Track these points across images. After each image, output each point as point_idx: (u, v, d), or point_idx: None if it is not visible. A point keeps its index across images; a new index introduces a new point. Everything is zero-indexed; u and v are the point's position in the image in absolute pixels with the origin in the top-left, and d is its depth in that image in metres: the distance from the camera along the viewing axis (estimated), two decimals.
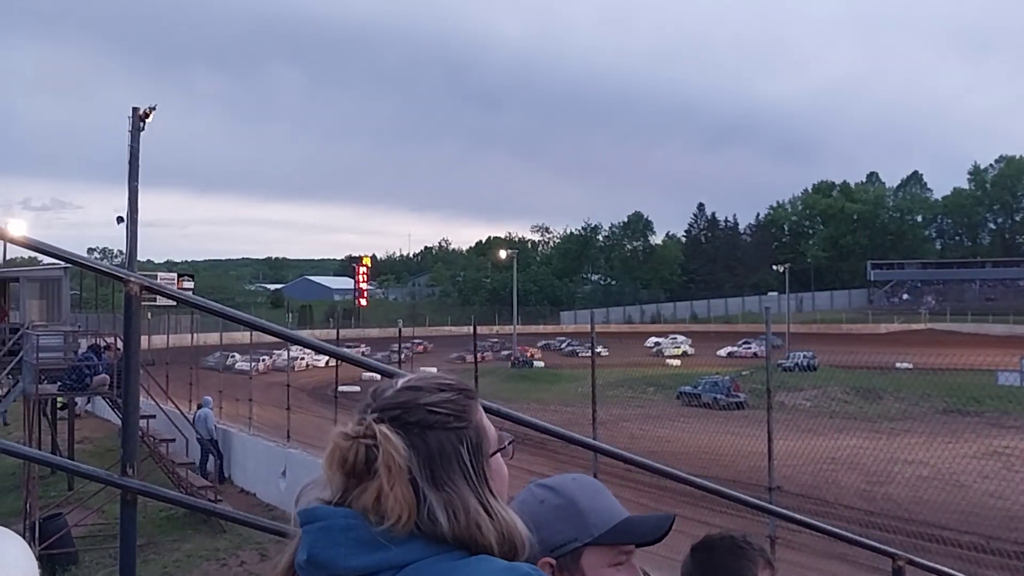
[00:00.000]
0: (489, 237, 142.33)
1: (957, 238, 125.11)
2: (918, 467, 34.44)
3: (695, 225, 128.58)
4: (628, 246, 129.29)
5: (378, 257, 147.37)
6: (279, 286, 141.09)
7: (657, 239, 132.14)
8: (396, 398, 1.41)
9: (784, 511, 3.99)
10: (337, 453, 1.36)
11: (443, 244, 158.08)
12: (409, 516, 1.31)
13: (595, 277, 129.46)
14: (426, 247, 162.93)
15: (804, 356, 66.76)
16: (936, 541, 20.11)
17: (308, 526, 1.34)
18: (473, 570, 1.29)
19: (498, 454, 1.43)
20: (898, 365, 68.53)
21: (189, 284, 42.57)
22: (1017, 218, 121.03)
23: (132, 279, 2.61)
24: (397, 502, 1.31)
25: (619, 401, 48.66)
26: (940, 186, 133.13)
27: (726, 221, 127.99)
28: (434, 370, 1.48)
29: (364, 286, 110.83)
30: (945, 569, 3.63)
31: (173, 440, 23.51)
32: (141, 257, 31.15)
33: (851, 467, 34.44)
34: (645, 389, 58.41)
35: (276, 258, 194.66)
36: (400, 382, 1.44)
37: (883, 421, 46.36)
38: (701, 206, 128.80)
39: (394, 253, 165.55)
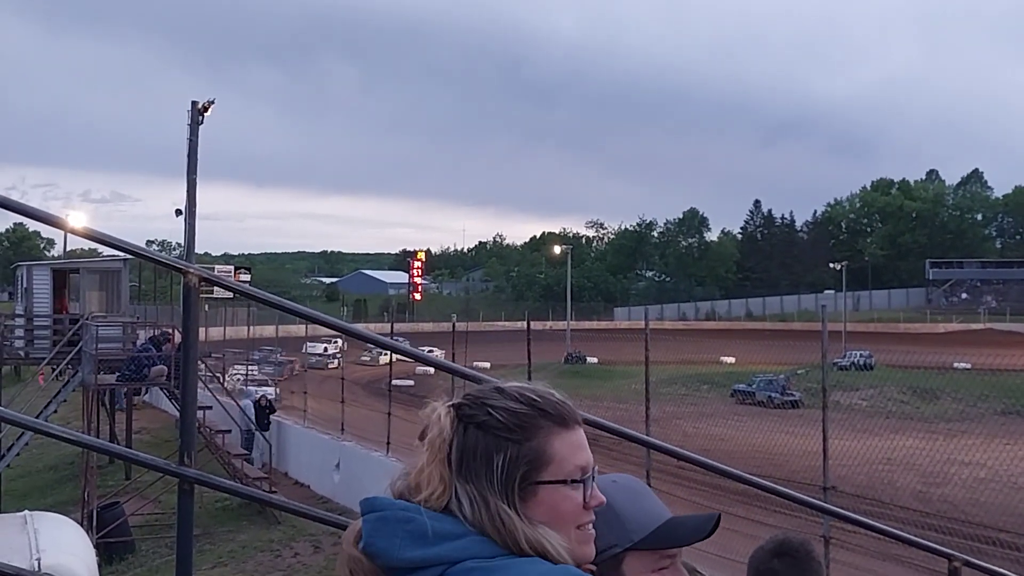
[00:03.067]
0: (543, 232, 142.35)
1: (1018, 237, 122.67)
2: (975, 468, 33.87)
3: (751, 222, 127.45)
4: (683, 243, 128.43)
5: (432, 252, 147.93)
6: (334, 280, 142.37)
7: (712, 236, 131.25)
8: (475, 392, 1.47)
9: (839, 510, 3.94)
10: (421, 424, 1.46)
11: (497, 239, 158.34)
12: (439, 495, 1.38)
13: (649, 274, 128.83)
14: (480, 242, 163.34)
15: (860, 355, 65.83)
16: (993, 543, 19.74)
17: (367, 515, 1.38)
18: (522, 569, 1.31)
19: (566, 488, 1.42)
20: (956, 365, 67.41)
21: (246, 277, 43.11)
22: None
23: (191, 270, 2.64)
24: (430, 479, 1.38)
25: (672, 398, 48.35)
26: (1001, 184, 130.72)
27: (782, 218, 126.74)
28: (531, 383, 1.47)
29: (418, 280, 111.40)
30: (1003, 571, 3.56)
31: (229, 431, 23.81)
32: (199, 250, 31.60)
33: (907, 468, 33.95)
34: (699, 387, 58.06)
35: (331, 252, 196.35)
36: (504, 382, 1.49)
37: (940, 422, 45.60)
38: (757, 203, 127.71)
39: (448, 248, 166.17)
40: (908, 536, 3.64)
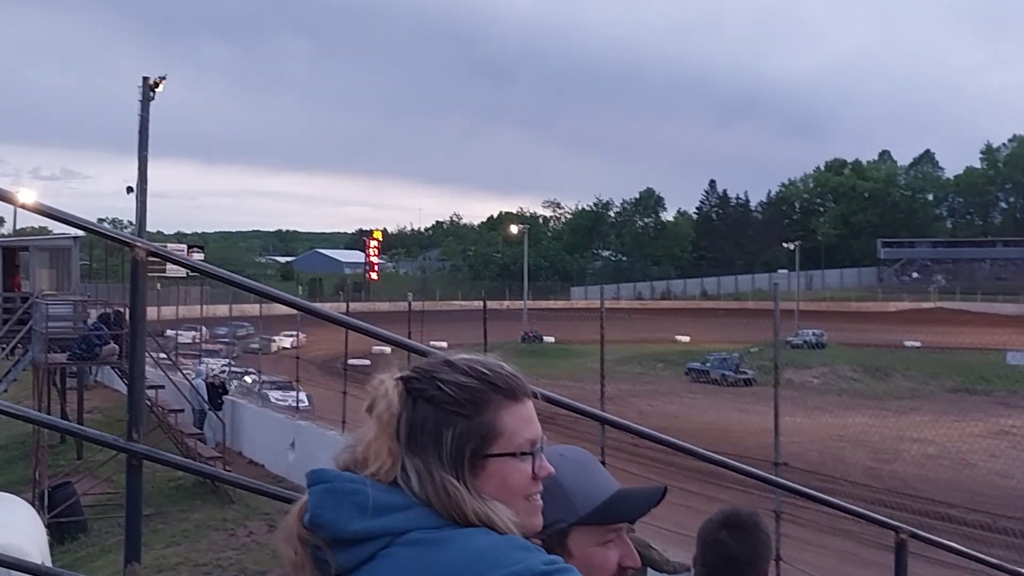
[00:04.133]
0: (500, 212, 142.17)
1: (968, 217, 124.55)
2: (925, 445, 34.46)
3: (706, 202, 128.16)
4: (639, 222, 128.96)
5: (389, 231, 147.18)
6: (289, 259, 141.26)
7: (668, 216, 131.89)
8: (424, 365, 1.45)
9: (789, 483, 3.99)
10: (366, 396, 1.44)
11: (454, 218, 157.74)
12: (387, 469, 1.37)
13: (606, 253, 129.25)
14: (437, 221, 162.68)
15: (813, 334, 66.73)
16: (943, 519, 20.10)
17: (314, 487, 1.37)
18: (468, 539, 1.31)
19: (515, 461, 1.41)
20: (906, 344, 68.55)
21: (199, 255, 42.64)
22: None
23: (138, 244, 2.61)
24: (377, 453, 1.37)
25: (628, 377, 48.74)
26: (952, 165, 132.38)
27: (737, 198, 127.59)
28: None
29: (375, 260, 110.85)
30: (947, 542, 3.62)
31: (182, 411, 23.61)
32: (151, 228, 31.21)
33: (858, 444, 34.49)
34: (654, 365, 58.53)
35: (286, 231, 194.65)
36: (453, 355, 1.47)
37: (891, 399, 46.38)
38: (712, 183, 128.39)
39: (405, 227, 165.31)
40: (854, 508, 3.69)
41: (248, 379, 31.02)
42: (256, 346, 40.18)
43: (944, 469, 30.57)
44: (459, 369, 1.42)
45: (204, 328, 42.21)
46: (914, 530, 3.39)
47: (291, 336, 49.56)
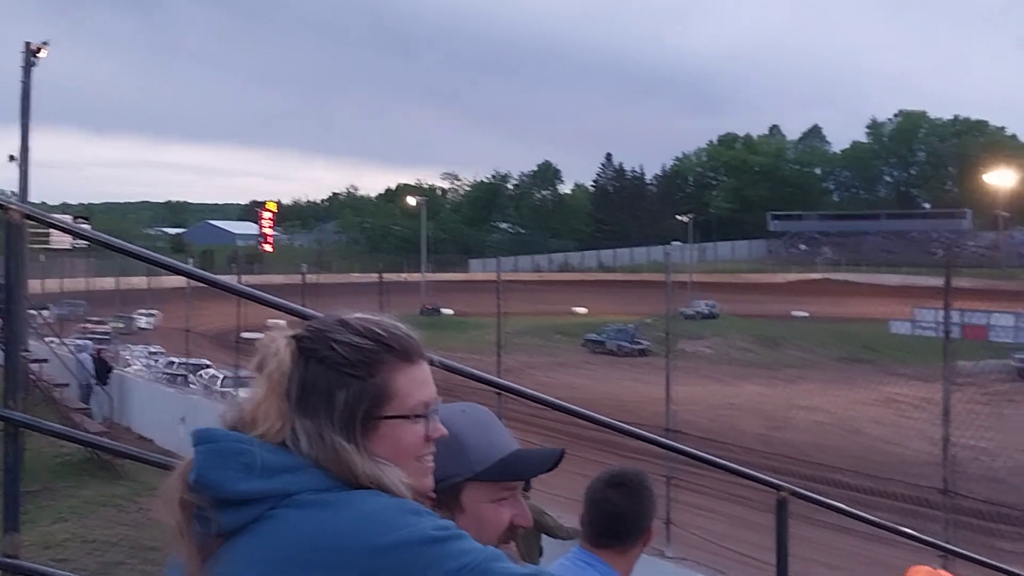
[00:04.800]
0: (399, 184, 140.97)
1: (855, 190, 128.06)
2: (815, 413, 35.54)
3: (603, 175, 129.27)
4: (538, 195, 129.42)
5: (284, 202, 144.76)
6: (180, 231, 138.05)
7: (566, 189, 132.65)
8: (317, 324, 1.41)
9: (676, 444, 4.06)
10: (256, 354, 1.40)
11: (351, 191, 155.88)
12: (276, 430, 1.33)
13: (505, 226, 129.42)
14: (334, 193, 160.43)
15: (706, 305, 68.01)
16: (831, 484, 20.68)
17: (200, 447, 1.33)
18: (359, 501, 1.29)
19: (409, 423, 1.39)
20: (796, 314, 70.46)
21: (85, 226, 41.31)
22: (913, 171, 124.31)
23: (13, 206, 2.51)
24: (267, 414, 1.34)
25: (527, 349, 49.03)
26: (839, 140, 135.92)
27: (633, 172, 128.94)
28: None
29: (268, 231, 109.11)
30: (826, 500, 3.75)
31: (67, 385, 22.96)
32: (35, 199, 30.17)
33: (750, 412, 35.40)
34: (553, 337, 59.04)
35: (177, 202, 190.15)
36: (347, 314, 1.43)
37: (781, 368, 47.69)
38: (609, 156, 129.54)
39: (300, 199, 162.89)
40: (737, 467, 3.77)
41: (207, 374, 29.54)
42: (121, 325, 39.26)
43: (833, 436, 31.58)
44: (353, 329, 1.39)
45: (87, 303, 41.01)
46: (795, 488, 3.49)
47: (149, 315, 48.55)
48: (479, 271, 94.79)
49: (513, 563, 1.34)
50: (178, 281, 30.25)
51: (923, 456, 18.58)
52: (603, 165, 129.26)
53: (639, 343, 50.37)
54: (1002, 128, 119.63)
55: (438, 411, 1.44)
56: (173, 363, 30.19)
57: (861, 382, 42.34)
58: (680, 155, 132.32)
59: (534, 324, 59.28)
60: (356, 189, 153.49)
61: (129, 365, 30.08)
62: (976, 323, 55.37)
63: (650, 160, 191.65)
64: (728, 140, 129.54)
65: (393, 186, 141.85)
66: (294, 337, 1.39)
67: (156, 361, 31.96)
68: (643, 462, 16.31)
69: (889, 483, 21.19)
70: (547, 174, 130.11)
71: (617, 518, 2.74)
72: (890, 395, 37.80)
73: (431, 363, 1.47)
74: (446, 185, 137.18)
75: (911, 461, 22.45)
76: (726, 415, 34.52)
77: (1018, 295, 67.24)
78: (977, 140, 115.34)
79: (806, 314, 69.77)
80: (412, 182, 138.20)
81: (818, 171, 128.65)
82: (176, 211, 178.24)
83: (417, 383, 1.41)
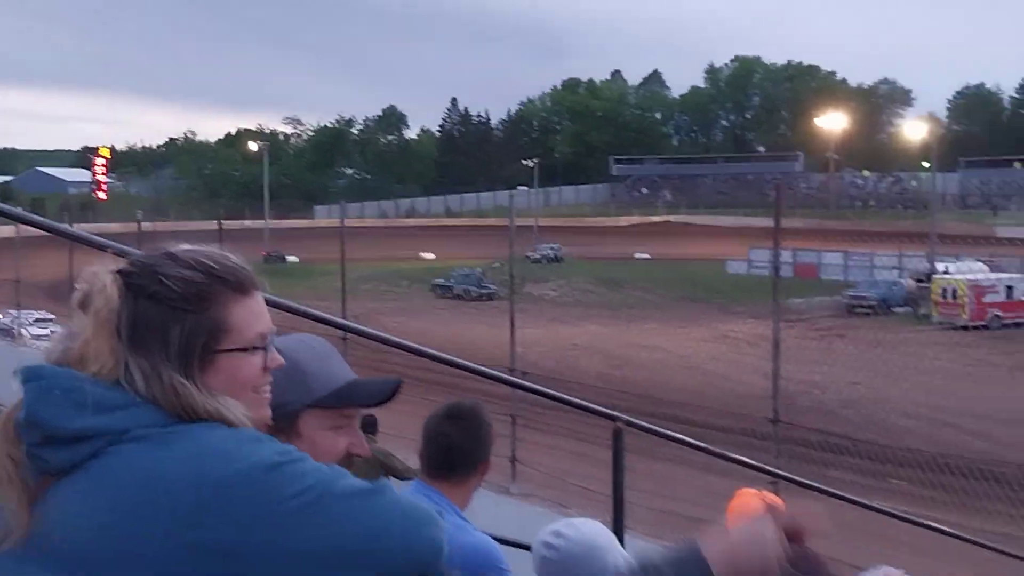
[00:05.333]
0: (239, 129, 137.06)
1: (693, 135, 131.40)
2: (655, 351, 36.62)
3: (448, 120, 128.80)
4: (383, 140, 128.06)
5: (118, 148, 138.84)
6: (7, 179, 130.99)
7: (412, 134, 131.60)
8: (142, 259, 1.36)
9: (517, 380, 4.11)
10: (79, 291, 1.34)
11: (189, 136, 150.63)
12: (109, 368, 1.29)
13: (350, 171, 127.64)
14: (171, 138, 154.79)
15: (551, 248, 68.94)
16: (670, 419, 21.33)
17: (29, 384, 1.28)
18: (198, 434, 1.26)
19: (246, 356, 1.37)
20: (637, 256, 72.15)
21: None
22: (748, 115, 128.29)
23: None
24: (98, 353, 1.30)
25: (373, 295, 48.80)
26: (678, 85, 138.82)
27: (479, 117, 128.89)
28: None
29: (102, 178, 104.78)
30: (658, 428, 3.86)
31: None
32: None
33: (593, 352, 36.21)
34: (400, 283, 58.88)
35: (4, 149, 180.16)
36: (175, 247, 1.38)
37: (624, 309, 48.85)
38: (454, 101, 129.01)
39: (135, 145, 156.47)
40: (574, 400, 3.86)
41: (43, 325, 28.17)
42: None
43: (672, 372, 32.61)
44: (183, 262, 1.34)
45: None
46: (629, 419, 3.58)
47: None
48: (324, 217, 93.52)
49: (355, 479, 1.33)
50: (7, 231, 28.79)
51: (757, 390, 19.37)
52: (448, 110, 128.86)
53: (486, 287, 50.72)
54: (833, 73, 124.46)
55: (274, 342, 1.43)
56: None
57: (699, 321, 43.81)
58: (525, 100, 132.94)
59: (381, 270, 58.96)
60: (194, 134, 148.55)
61: None
62: (808, 262, 57.86)
63: (496, 105, 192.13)
64: (571, 85, 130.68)
65: (233, 131, 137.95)
66: (119, 272, 1.33)
67: None
68: (487, 403, 16.53)
69: (725, 416, 22.07)
70: (392, 119, 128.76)
71: (453, 450, 2.77)
72: (726, 332, 39.29)
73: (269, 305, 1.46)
74: (288, 130, 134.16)
75: (746, 395, 23.37)
76: (570, 356, 35.21)
77: (847, 234, 70.47)
78: (809, 84, 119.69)
79: (648, 256, 71.49)
80: (253, 127, 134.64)
81: (658, 116, 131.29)
82: (2, 159, 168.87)
83: (253, 315, 1.39)
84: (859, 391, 29.16)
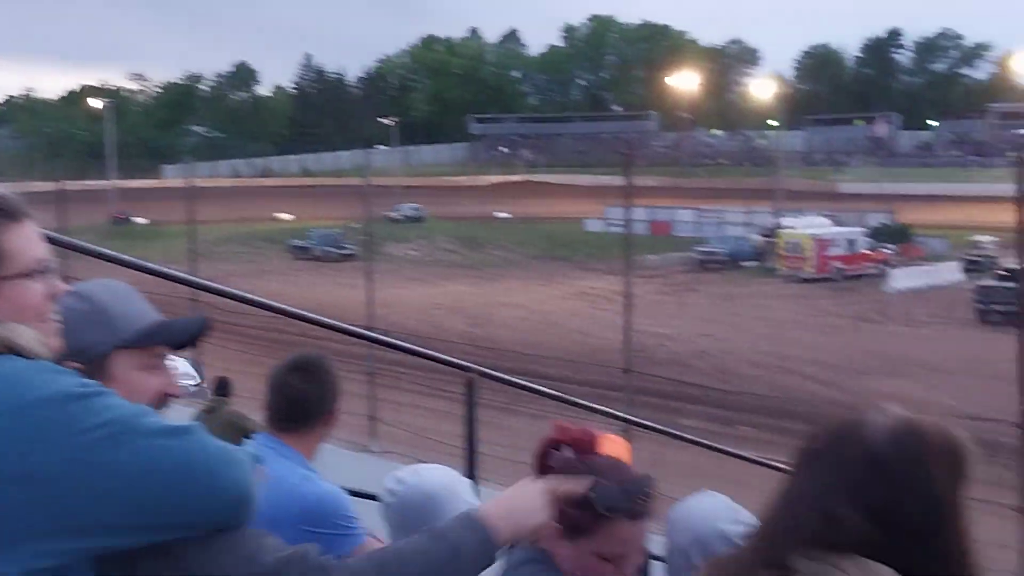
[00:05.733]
0: (81, 86, 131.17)
1: (551, 94, 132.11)
2: (516, 309, 36.98)
3: (303, 77, 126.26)
4: (234, 97, 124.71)
5: None
6: None
7: (265, 91, 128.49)
8: None
9: (371, 333, 4.10)
10: None
11: (27, 93, 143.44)
12: None
13: (200, 129, 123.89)
14: (9, 96, 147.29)
15: (411, 208, 68.59)
16: (530, 375, 21.60)
17: None
18: None
19: (27, 282, 1.36)
20: (498, 215, 72.45)
21: None
22: (604, 75, 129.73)
23: None
24: None
25: (227, 257, 47.66)
26: (535, 44, 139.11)
27: (335, 74, 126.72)
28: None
29: None
30: (510, 378, 3.92)
31: None
32: None
33: (455, 311, 36.32)
34: (255, 244, 57.64)
35: None
36: None
37: (485, 268, 49.10)
38: (308, 57, 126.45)
39: None
40: (426, 352, 3.88)
41: None
42: None
43: (532, 329, 33.01)
44: None
45: None
46: (482, 369, 3.62)
47: None
48: (173, 177, 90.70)
49: (162, 418, 1.33)
50: None
51: (614, 344, 19.71)
52: (303, 67, 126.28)
53: (345, 248, 50.17)
54: (684, 33, 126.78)
55: (77, 287, 1.47)
56: None
57: (559, 278, 44.42)
58: (382, 57, 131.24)
59: (235, 232, 57.67)
60: (33, 92, 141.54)
61: None
62: (663, 219, 59.19)
63: (352, 63, 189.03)
64: (429, 43, 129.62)
65: (75, 88, 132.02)
66: None
67: None
68: (346, 362, 16.39)
69: (583, 369, 22.49)
70: (243, 76, 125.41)
71: (298, 402, 2.77)
72: (585, 289, 39.94)
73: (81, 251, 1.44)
74: (134, 87, 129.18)
75: (603, 349, 23.83)
76: (432, 315, 35.26)
77: (700, 192, 72.33)
78: (661, 44, 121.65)
79: (508, 215, 71.89)
80: (96, 84, 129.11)
81: (516, 74, 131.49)
82: None
83: (28, 241, 1.38)
84: (710, 342, 30.16)
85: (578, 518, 1.88)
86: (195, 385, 16.39)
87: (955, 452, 1.21)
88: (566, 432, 2.03)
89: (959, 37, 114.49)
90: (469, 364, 3.56)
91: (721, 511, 2.34)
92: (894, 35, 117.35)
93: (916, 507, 1.16)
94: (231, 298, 3.67)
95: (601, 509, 1.87)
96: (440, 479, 2.46)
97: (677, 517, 2.39)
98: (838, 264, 42.00)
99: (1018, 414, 10.16)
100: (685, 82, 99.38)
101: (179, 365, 15.48)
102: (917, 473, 1.17)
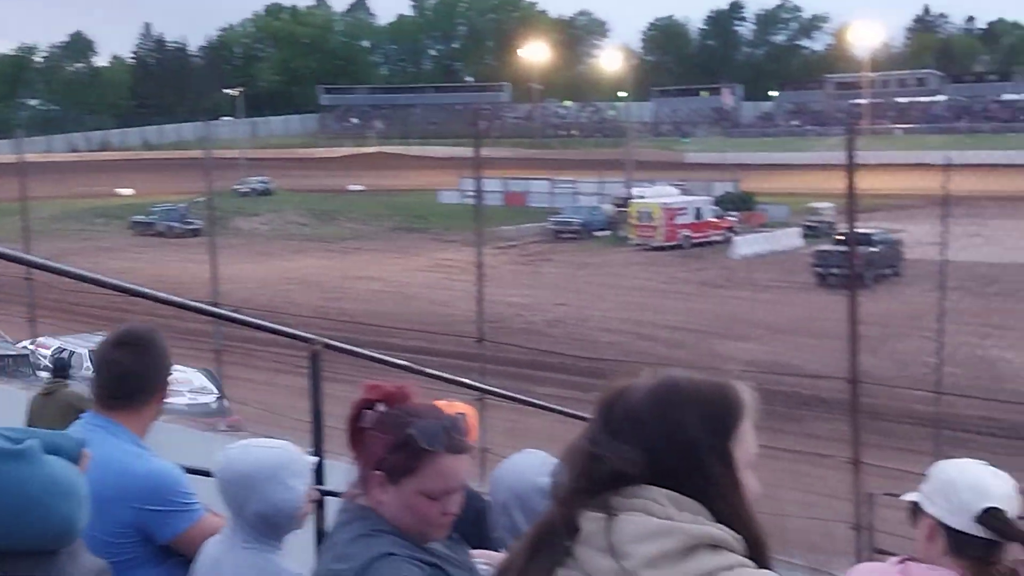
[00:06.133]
0: None
1: (402, 64, 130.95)
2: (371, 282, 36.68)
3: (142, 47, 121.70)
4: (70, 69, 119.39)
5: None
6: None
7: (103, 62, 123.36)
8: None
9: (212, 308, 3.94)
10: None
11: None
12: None
13: (34, 102, 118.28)
14: None
15: (260, 181, 67.22)
16: (387, 348, 21.48)
17: None
18: None
19: None
20: (351, 187, 71.57)
21: None
22: (455, 45, 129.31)
23: None
24: None
25: (65, 235, 45.70)
26: (384, 13, 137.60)
27: (175, 43, 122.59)
28: None
29: None
30: (356, 349, 3.84)
31: None
32: None
33: (308, 286, 35.77)
34: (94, 221, 55.47)
35: None
36: None
37: (338, 241, 48.49)
38: (147, 26, 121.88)
39: None
40: (269, 325, 3.77)
41: None
42: None
43: (388, 302, 32.81)
44: None
45: None
46: (327, 340, 3.53)
47: None
48: (5, 152, 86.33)
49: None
50: None
51: (470, 315, 19.75)
52: (142, 36, 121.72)
53: (190, 223, 48.68)
54: (534, 3, 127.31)
55: None
56: None
57: (414, 250, 44.28)
58: (225, 26, 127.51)
59: (72, 208, 55.50)
60: None
61: None
62: (517, 191, 59.55)
63: (194, 32, 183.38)
64: (274, 11, 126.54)
65: None
66: None
67: None
68: (192, 340, 15.95)
69: (439, 340, 22.45)
70: (79, 46, 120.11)
71: (127, 378, 2.65)
72: (441, 261, 39.88)
73: None
74: None
75: (460, 320, 23.83)
76: (285, 290, 34.65)
77: (552, 163, 73.03)
78: (512, 15, 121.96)
79: (361, 187, 71.16)
80: None
81: (366, 44, 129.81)
82: None
83: None
84: (565, 311, 30.57)
85: (402, 459, 1.99)
86: (216, 399, 15.28)
87: (711, 405, 1.35)
88: (378, 390, 2.07)
89: (798, 9, 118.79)
90: (312, 335, 3.46)
91: (535, 465, 2.41)
92: (736, 7, 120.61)
93: (671, 452, 1.32)
94: (67, 276, 3.47)
95: (423, 444, 1.98)
96: (261, 458, 2.42)
97: (496, 476, 2.48)
98: (686, 232, 43.08)
99: (848, 370, 10.62)
100: (536, 53, 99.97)
101: (193, 379, 14.70)
102: (667, 423, 1.33)
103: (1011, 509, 2.12)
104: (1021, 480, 2.29)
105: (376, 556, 1.91)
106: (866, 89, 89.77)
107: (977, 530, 2.09)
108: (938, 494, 2.16)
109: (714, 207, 45.85)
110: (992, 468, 2.19)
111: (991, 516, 2.07)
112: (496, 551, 2.26)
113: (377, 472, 1.99)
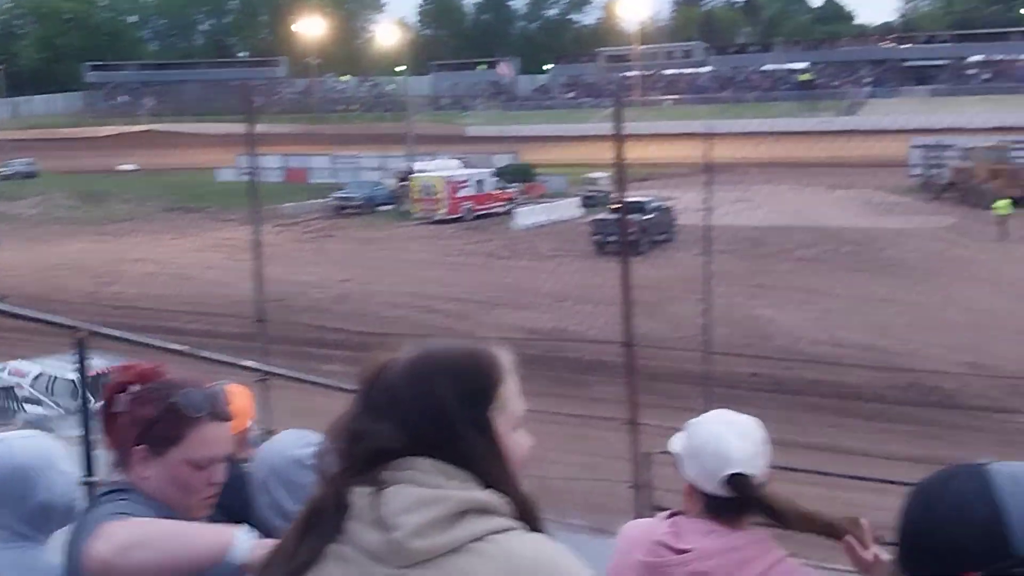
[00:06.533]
0: None
1: (172, 39, 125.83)
2: (145, 264, 35.41)
3: None
4: None
5: None
6: None
7: None
8: None
9: None
10: None
11: None
12: None
13: None
14: None
15: (23, 163, 63.81)
16: (167, 332, 20.95)
17: None
18: None
19: None
20: (121, 168, 68.48)
21: None
22: (227, 20, 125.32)
23: None
24: None
25: None
26: None
27: None
28: None
29: None
30: (124, 335, 3.89)
31: None
32: None
33: (79, 271, 34.24)
34: None
35: None
36: None
37: (109, 223, 46.43)
38: None
39: None
40: (28, 313, 3.76)
41: None
42: None
43: (165, 284, 31.80)
44: None
45: None
46: (93, 327, 3.57)
47: None
48: None
49: None
50: None
51: (252, 295, 19.54)
52: None
53: None
54: None
55: None
56: None
57: (191, 231, 43.01)
58: None
59: None
60: None
61: None
62: (297, 167, 58.60)
63: None
64: None
65: None
66: None
67: None
68: None
69: (219, 322, 22.06)
70: None
71: None
72: (220, 240, 38.91)
73: None
74: None
75: (241, 300, 23.41)
76: (55, 276, 33.05)
77: (333, 138, 72.09)
78: None
79: (134, 167, 68.32)
80: None
81: (133, 19, 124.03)
82: None
83: None
84: (350, 287, 30.52)
85: (166, 428, 2.01)
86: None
87: (464, 373, 1.40)
88: (129, 371, 2.08)
89: None
90: (76, 323, 3.49)
91: (291, 440, 2.43)
92: None
93: (427, 424, 1.36)
94: None
95: (188, 411, 2.01)
96: (32, 447, 2.33)
97: (255, 456, 2.49)
98: (468, 204, 43.58)
99: (622, 334, 11.14)
100: (311, 28, 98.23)
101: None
102: (421, 396, 1.37)
103: (757, 467, 2.22)
104: (784, 432, 2.58)
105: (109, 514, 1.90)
106: (636, 61, 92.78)
107: (727, 492, 2.20)
108: (690, 458, 2.28)
109: (495, 179, 46.53)
110: (742, 423, 2.29)
111: (735, 483, 2.19)
112: (260, 528, 2.20)
113: (139, 447, 1.99)
